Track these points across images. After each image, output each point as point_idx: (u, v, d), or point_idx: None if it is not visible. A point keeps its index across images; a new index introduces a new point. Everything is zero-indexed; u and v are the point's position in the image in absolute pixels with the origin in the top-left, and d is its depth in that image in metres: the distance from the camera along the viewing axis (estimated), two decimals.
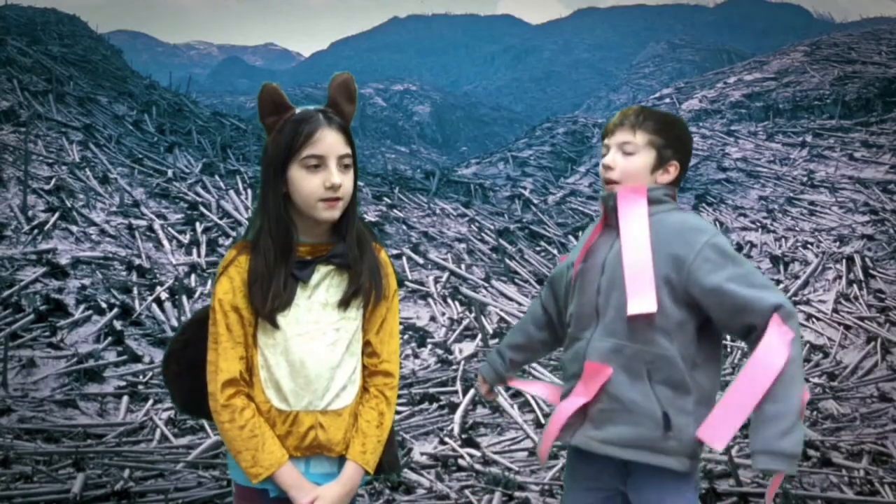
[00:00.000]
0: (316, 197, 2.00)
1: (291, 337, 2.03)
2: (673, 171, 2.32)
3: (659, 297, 2.15)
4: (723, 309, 2.13)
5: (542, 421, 6.31)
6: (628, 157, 2.30)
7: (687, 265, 2.15)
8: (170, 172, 11.81)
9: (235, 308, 2.00)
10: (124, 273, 8.69)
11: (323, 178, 2.00)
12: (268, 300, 2.00)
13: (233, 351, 2.01)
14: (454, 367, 7.65)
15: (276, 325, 2.01)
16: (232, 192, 11.75)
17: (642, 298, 2.15)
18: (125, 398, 6.27)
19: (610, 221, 2.32)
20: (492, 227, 13.11)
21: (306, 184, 2.00)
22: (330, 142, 2.00)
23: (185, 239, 9.92)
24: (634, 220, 2.23)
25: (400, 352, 9.09)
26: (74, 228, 9.20)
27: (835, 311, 9.35)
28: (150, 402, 6.22)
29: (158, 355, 7.12)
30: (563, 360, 2.38)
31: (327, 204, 2.01)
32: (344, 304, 2.07)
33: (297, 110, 2.03)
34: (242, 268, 2.02)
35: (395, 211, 12.51)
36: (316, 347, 2.05)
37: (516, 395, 6.98)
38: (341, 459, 2.09)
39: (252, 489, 2.06)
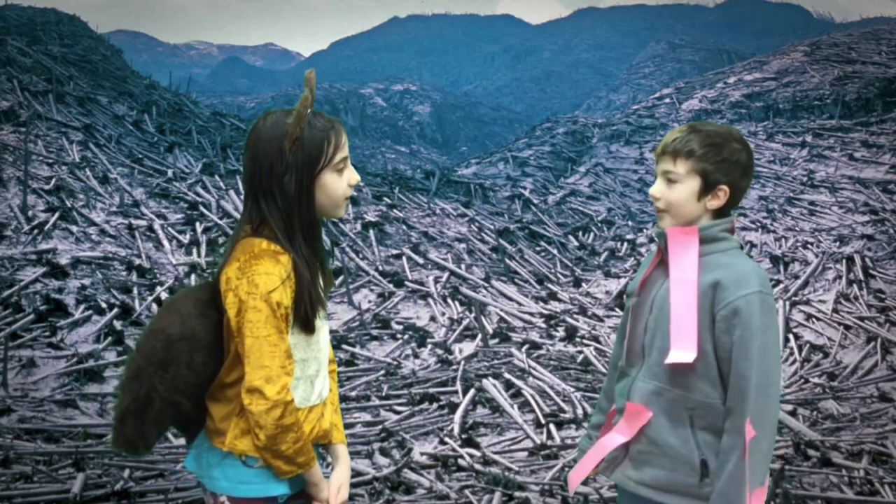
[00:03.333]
0: (344, 196, 2.08)
1: (319, 333, 2.10)
2: (722, 195, 2.22)
3: (702, 344, 2.13)
4: (724, 368, 2.14)
5: (542, 421, 6.31)
6: (672, 187, 2.22)
7: (717, 312, 2.12)
8: (170, 172, 11.81)
9: (287, 310, 1.98)
10: (124, 273, 8.69)
11: (347, 177, 2.08)
12: (316, 308, 2.04)
13: (288, 352, 2.00)
14: (454, 367, 7.65)
15: (313, 331, 2.05)
16: (232, 192, 11.75)
17: (682, 348, 2.12)
18: None
19: (664, 257, 2.27)
20: (492, 227, 13.11)
21: (336, 186, 2.06)
22: (347, 143, 2.10)
23: (185, 239, 9.92)
24: (683, 266, 2.18)
25: (400, 352, 9.05)
26: (74, 228, 9.20)
27: (835, 311, 9.35)
28: None
29: None
30: (614, 389, 2.37)
31: (347, 201, 2.11)
32: (327, 296, 2.18)
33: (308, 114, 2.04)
34: (290, 270, 1.99)
35: (395, 211, 12.51)
36: (326, 340, 2.17)
37: (516, 395, 6.99)
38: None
39: (263, 499, 2.05)
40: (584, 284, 11.53)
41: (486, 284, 10.43)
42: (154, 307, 8.10)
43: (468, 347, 8.40)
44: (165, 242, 9.66)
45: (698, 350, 2.13)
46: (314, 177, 2.02)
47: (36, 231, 8.77)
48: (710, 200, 2.22)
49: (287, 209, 2.01)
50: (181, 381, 2.00)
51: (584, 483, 4.82)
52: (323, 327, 2.13)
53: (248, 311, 1.93)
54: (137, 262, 8.91)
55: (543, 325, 9.34)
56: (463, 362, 7.74)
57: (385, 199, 13.03)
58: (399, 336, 8.57)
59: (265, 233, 2.02)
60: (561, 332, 9.09)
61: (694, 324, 2.13)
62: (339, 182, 2.06)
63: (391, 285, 9.86)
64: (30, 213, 9.12)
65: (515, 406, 6.69)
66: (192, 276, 9.03)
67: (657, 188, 2.26)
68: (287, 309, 1.97)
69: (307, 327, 2.03)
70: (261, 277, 1.93)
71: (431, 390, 6.98)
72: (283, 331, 1.97)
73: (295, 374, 2.04)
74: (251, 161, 2.03)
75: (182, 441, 5.34)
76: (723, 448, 2.12)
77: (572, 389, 7.08)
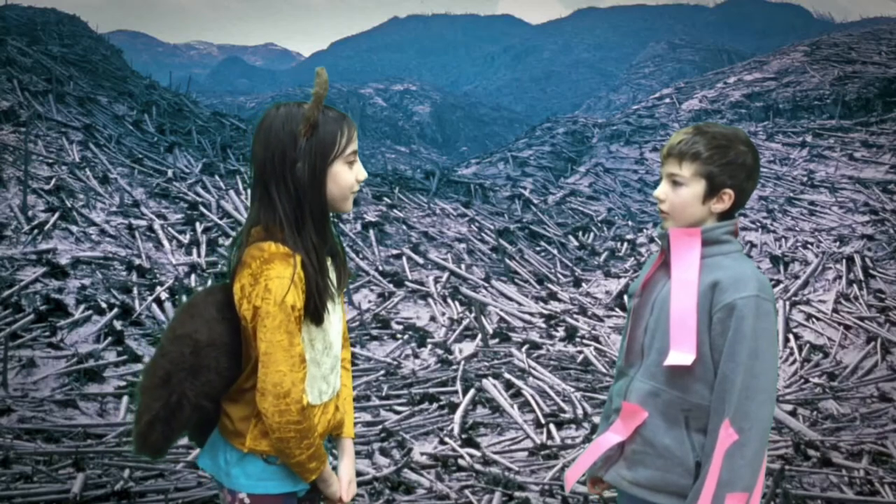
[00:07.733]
0: (351, 190, 2.10)
1: (328, 329, 2.10)
2: (727, 199, 2.20)
3: (700, 346, 2.13)
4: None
5: (542, 421, 6.31)
6: (677, 189, 2.21)
7: (713, 313, 2.12)
8: (170, 172, 11.81)
9: (300, 311, 1.99)
10: (124, 273, 8.69)
11: (356, 172, 2.11)
12: (324, 298, 2.05)
13: (302, 356, 2.01)
14: (454, 367, 7.65)
15: (322, 322, 2.05)
16: (232, 192, 11.76)
17: (682, 350, 2.13)
18: (125, 398, 6.27)
19: (667, 258, 2.26)
20: (492, 227, 13.11)
21: (346, 177, 2.08)
22: (357, 139, 2.12)
23: (185, 239, 9.92)
24: (685, 267, 2.18)
25: (400, 352, 9.06)
26: (74, 228, 9.20)
27: (835, 311, 9.34)
28: None
29: None
30: (612, 390, 2.38)
31: (354, 196, 2.13)
32: (340, 290, 2.18)
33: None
34: (299, 270, 1.99)
35: (395, 211, 12.51)
36: (338, 335, 2.17)
37: (516, 395, 6.99)
38: None
39: (282, 495, 2.08)
40: (584, 284, 11.53)
41: (486, 284, 10.43)
42: (154, 307, 8.10)
43: (468, 347, 8.40)
44: (165, 242, 9.66)
45: (697, 352, 2.13)
46: (327, 165, 2.04)
47: (36, 231, 8.77)
48: (715, 203, 2.20)
49: (298, 197, 2.01)
50: (210, 387, 2.03)
51: (584, 483, 4.81)
52: (335, 320, 2.14)
53: (262, 316, 1.95)
54: (137, 262, 8.91)
55: (543, 325, 9.33)
56: (463, 362, 7.74)
57: (385, 199, 13.02)
58: (399, 336, 8.57)
59: (275, 234, 2.02)
60: (561, 332, 9.09)
61: (693, 326, 2.13)
62: (349, 174, 2.08)
63: (391, 285, 9.86)
64: (30, 213, 9.12)
65: (515, 406, 6.69)
66: (192, 276, 9.04)
67: (662, 190, 2.25)
68: (300, 310, 1.99)
69: (316, 319, 2.04)
70: (273, 282, 1.94)
71: (431, 390, 6.98)
72: (296, 334, 1.97)
73: (311, 372, 2.06)
74: (263, 149, 2.03)
75: (182, 441, 5.33)
76: (704, 449, 2.14)
77: (572, 389, 7.08)
